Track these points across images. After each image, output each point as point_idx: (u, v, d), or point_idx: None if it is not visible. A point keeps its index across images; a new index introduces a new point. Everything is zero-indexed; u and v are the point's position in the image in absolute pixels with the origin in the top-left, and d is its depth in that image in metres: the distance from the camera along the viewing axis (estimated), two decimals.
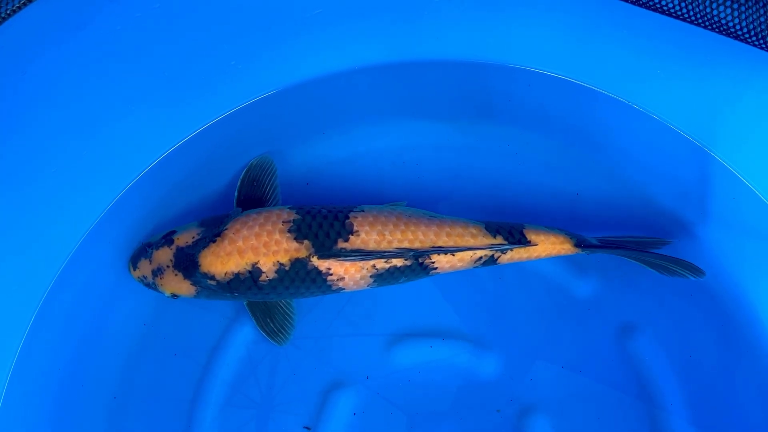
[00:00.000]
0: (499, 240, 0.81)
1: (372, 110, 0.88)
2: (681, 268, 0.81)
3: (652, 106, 0.83)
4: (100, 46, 0.79)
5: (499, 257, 0.81)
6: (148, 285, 0.82)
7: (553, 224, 0.84)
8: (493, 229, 0.81)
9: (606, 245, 0.83)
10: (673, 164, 0.85)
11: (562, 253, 0.82)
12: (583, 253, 0.82)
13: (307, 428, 0.86)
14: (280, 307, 0.84)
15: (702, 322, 0.88)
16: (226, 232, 0.78)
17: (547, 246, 0.82)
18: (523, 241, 0.81)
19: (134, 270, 0.81)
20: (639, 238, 0.85)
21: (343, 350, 0.88)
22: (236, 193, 0.83)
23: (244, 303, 0.84)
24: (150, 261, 0.80)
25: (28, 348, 0.79)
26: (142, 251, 0.81)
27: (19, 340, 0.78)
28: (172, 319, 0.87)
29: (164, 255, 0.79)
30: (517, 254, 0.82)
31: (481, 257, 0.81)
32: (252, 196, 0.83)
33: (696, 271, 0.81)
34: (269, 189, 0.84)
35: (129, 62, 0.80)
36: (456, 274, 0.86)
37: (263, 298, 0.81)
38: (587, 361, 0.88)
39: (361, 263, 0.77)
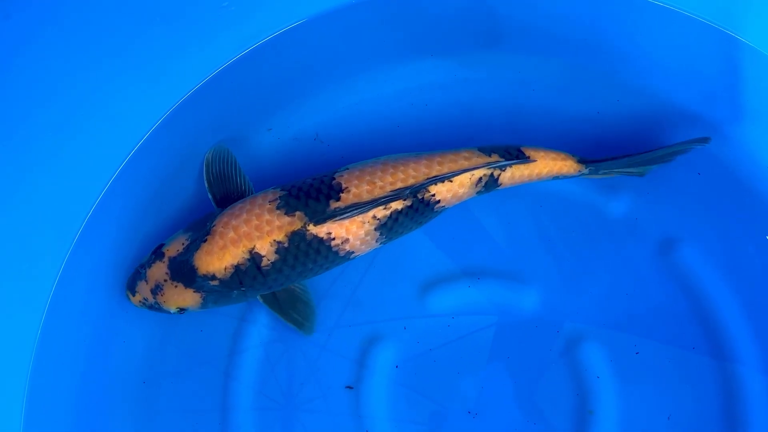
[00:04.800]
0: (495, 158, 0.77)
1: (370, 53, 0.85)
2: (683, 146, 0.79)
3: None
4: None
5: (499, 176, 0.77)
6: (151, 307, 0.78)
7: (575, 151, 0.80)
8: (487, 150, 0.78)
9: (611, 158, 0.79)
10: (698, 61, 0.81)
11: (565, 170, 0.79)
12: (587, 171, 0.79)
13: (350, 387, 0.82)
14: (297, 293, 0.80)
15: (744, 223, 0.83)
16: (214, 228, 0.74)
17: (547, 162, 0.78)
18: (521, 157, 0.77)
19: (133, 296, 0.78)
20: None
21: (376, 305, 0.84)
22: (209, 196, 0.80)
23: (260, 301, 0.80)
24: (146, 281, 0.76)
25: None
26: (136, 275, 0.78)
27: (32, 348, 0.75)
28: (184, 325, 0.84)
29: (159, 270, 0.76)
30: (518, 171, 0.78)
31: (480, 178, 0.76)
32: (225, 191, 0.80)
33: (700, 140, 0.78)
34: (238, 178, 0.80)
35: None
36: (485, 209, 0.83)
37: (274, 287, 0.77)
38: (632, 281, 0.84)
39: (360, 218, 0.73)
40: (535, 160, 0.78)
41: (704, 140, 0.79)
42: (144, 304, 0.77)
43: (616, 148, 0.84)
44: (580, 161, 0.78)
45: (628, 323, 0.83)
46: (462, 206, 0.84)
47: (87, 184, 0.78)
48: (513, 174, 0.78)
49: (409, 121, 0.86)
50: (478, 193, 0.78)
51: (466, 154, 0.77)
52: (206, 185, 0.80)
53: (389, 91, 0.86)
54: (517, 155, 0.78)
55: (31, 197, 0.77)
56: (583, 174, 0.79)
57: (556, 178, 0.80)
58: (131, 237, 0.81)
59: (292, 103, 0.86)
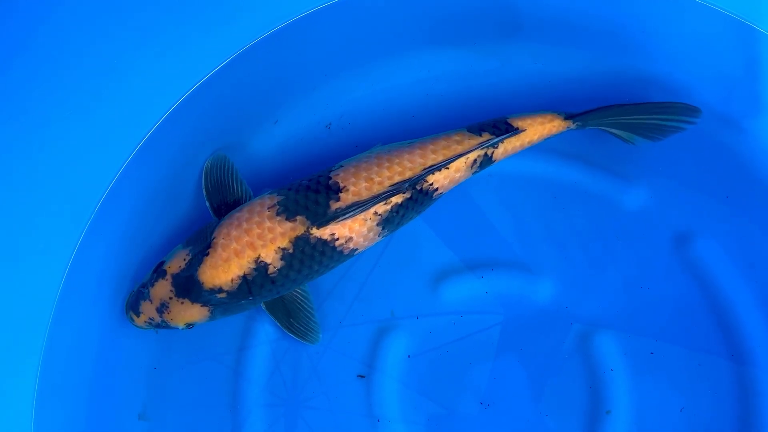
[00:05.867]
0: (486, 137, 0.76)
1: (386, 42, 0.82)
2: (675, 117, 0.77)
3: None
4: None
5: (493, 153, 0.77)
6: (158, 326, 0.76)
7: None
8: (476, 129, 0.77)
9: (597, 109, 0.78)
10: (717, 53, 0.80)
11: (554, 130, 0.78)
12: (576, 125, 0.78)
13: (361, 376, 0.83)
14: (298, 303, 0.79)
15: (761, 217, 0.83)
16: (215, 240, 0.73)
17: (536, 128, 0.78)
18: (511, 130, 0.77)
19: (137, 317, 0.76)
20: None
21: (388, 295, 0.83)
22: (208, 204, 0.78)
23: (263, 308, 0.79)
24: (150, 301, 0.75)
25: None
26: (139, 295, 0.76)
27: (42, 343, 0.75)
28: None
29: (162, 288, 0.74)
30: (510, 144, 0.78)
31: (475, 160, 0.76)
32: (224, 199, 0.78)
33: (691, 111, 0.77)
34: (237, 186, 0.79)
35: None
36: (498, 203, 0.83)
37: (282, 291, 0.76)
38: (646, 275, 0.84)
39: (362, 216, 0.73)
40: (525, 129, 0.78)
41: (694, 112, 0.78)
42: (150, 324, 0.76)
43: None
44: (567, 117, 0.78)
45: (642, 317, 0.83)
46: (473, 201, 0.84)
47: (87, 183, 0.76)
48: (506, 148, 0.78)
49: (424, 111, 0.85)
50: (474, 173, 0.78)
51: (457, 138, 0.76)
52: (204, 194, 0.78)
53: (405, 80, 0.84)
54: (506, 128, 0.77)
55: (33, 200, 0.76)
56: (571, 128, 0.79)
57: (547, 139, 0.80)
58: (138, 230, 0.79)
59: (304, 93, 0.83)
